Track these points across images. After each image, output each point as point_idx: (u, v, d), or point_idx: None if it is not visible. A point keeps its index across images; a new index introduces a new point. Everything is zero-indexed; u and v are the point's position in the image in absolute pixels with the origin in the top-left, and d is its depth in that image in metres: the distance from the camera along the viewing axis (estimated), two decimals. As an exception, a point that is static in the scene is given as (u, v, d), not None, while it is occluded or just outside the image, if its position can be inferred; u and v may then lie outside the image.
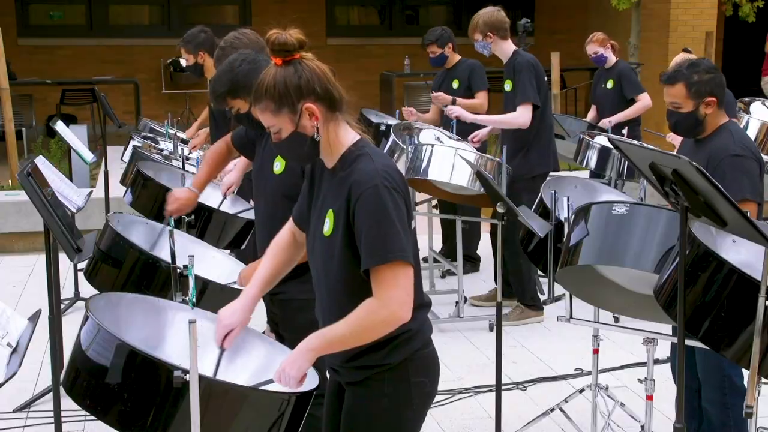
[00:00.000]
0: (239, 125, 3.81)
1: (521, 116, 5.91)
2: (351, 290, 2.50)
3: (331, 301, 2.57)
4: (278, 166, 3.37)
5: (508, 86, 6.02)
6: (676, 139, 5.57)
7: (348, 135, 2.57)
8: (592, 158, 6.61)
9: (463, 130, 6.70)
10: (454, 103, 6.68)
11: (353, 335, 2.45)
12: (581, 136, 6.72)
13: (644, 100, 7.43)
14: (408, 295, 2.42)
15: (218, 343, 2.69)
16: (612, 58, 7.53)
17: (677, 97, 3.67)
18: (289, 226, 2.85)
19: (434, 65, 7.14)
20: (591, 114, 7.78)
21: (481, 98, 6.90)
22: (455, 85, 6.98)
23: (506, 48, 6.04)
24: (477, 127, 6.78)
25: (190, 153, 6.08)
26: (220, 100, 3.56)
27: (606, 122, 7.32)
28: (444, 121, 7.16)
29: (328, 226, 2.53)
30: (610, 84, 7.53)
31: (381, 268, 2.40)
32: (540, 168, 6.01)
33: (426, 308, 2.64)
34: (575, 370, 5.27)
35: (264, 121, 2.54)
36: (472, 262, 7.22)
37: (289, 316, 3.42)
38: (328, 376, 2.80)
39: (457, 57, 7.04)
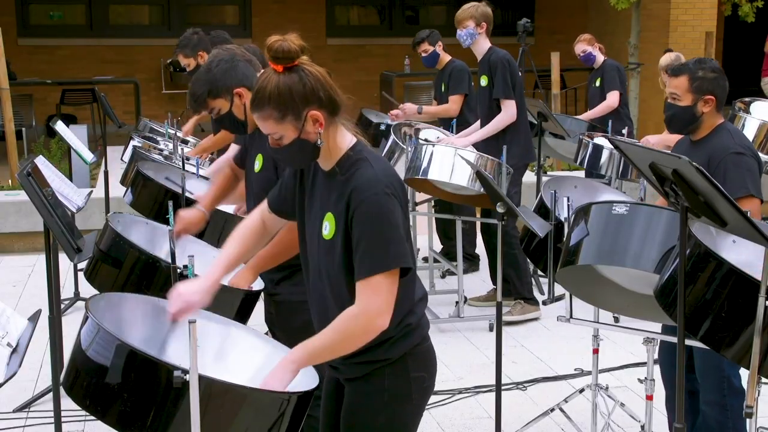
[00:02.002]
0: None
1: (507, 113, 6.03)
2: (351, 292, 2.50)
3: (335, 302, 2.57)
4: (257, 164, 3.41)
5: (483, 81, 6.12)
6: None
7: (345, 138, 2.57)
8: (588, 156, 6.63)
9: (464, 130, 6.72)
10: (419, 112, 6.91)
11: (334, 345, 2.47)
12: (581, 136, 6.72)
13: (609, 99, 7.54)
14: (388, 304, 2.43)
15: (172, 315, 2.68)
16: (600, 58, 7.64)
17: (678, 88, 3.69)
18: (260, 212, 2.86)
19: (427, 65, 7.18)
20: (587, 114, 7.85)
21: (452, 102, 6.97)
22: (443, 87, 7.09)
23: (485, 44, 6.15)
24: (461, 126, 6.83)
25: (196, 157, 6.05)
26: (200, 102, 3.52)
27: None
28: (443, 121, 7.18)
29: (328, 230, 2.53)
30: (597, 82, 7.68)
31: (370, 277, 2.41)
32: (521, 159, 6.15)
33: (423, 301, 2.66)
34: (575, 370, 5.27)
35: (265, 129, 2.52)
36: (471, 261, 7.22)
37: (283, 318, 3.44)
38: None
39: (447, 57, 7.10)
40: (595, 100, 7.68)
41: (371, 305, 2.41)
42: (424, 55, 7.07)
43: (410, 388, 2.59)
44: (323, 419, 2.78)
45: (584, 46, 7.65)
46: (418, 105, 7.05)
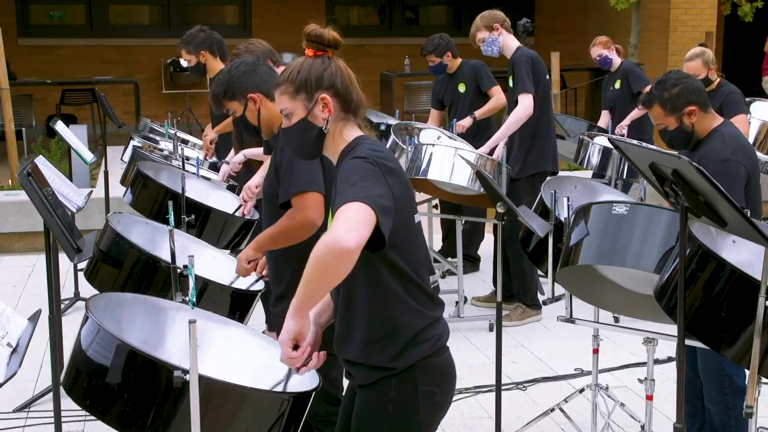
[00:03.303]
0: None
1: (523, 107, 5.85)
2: (353, 282, 2.47)
3: (338, 295, 2.57)
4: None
5: (511, 82, 6.01)
6: None
7: (353, 131, 2.60)
8: (593, 158, 6.60)
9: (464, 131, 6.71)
10: (475, 119, 6.68)
11: (311, 275, 2.30)
12: (581, 136, 6.71)
13: None
14: (355, 225, 2.27)
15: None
16: (617, 61, 7.50)
17: (658, 118, 3.70)
18: None
19: (435, 73, 7.09)
20: (604, 119, 7.65)
21: (496, 93, 6.81)
22: (461, 89, 6.93)
23: (512, 42, 6.02)
24: (481, 127, 6.77)
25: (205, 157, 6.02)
26: (216, 102, 3.61)
27: (619, 129, 7.25)
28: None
29: (329, 221, 2.55)
30: (618, 84, 7.46)
31: (339, 208, 2.32)
32: (539, 167, 6.00)
33: (431, 310, 2.60)
34: (575, 370, 5.27)
35: (280, 105, 2.60)
36: (472, 262, 7.22)
37: None
38: (322, 379, 2.80)
39: (458, 61, 6.99)
40: (618, 104, 7.45)
41: (335, 226, 2.28)
42: (430, 65, 6.97)
43: (417, 401, 2.54)
44: (340, 419, 2.77)
45: (600, 49, 7.47)
46: (466, 118, 6.77)
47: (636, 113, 7.25)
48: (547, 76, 6.07)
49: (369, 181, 2.37)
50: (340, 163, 2.54)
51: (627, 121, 7.24)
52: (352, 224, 2.27)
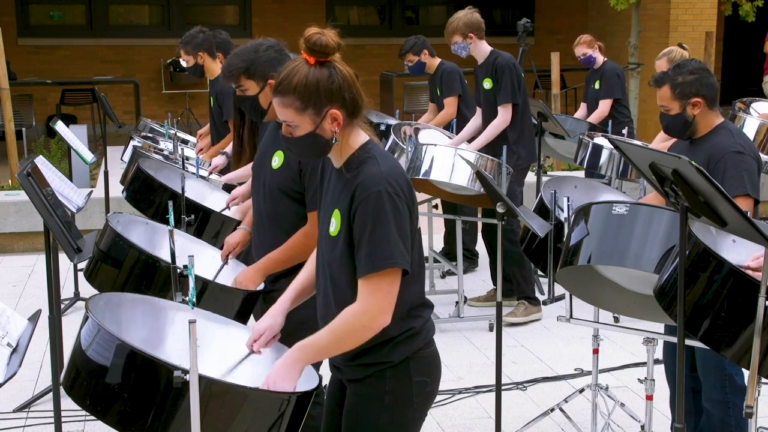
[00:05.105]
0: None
1: (504, 118, 6.05)
2: (352, 290, 2.50)
3: (335, 300, 2.58)
4: (276, 161, 3.38)
5: (488, 84, 6.11)
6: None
7: (358, 137, 2.58)
8: (587, 156, 6.62)
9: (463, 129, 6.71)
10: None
11: (336, 342, 2.49)
12: (581, 136, 6.72)
13: (602, 107, 7.48)
14: (389, 302, 2.45)
15: (247, 345, 2.74)
16: (600, 59, 7.59)
17: (664, 99, 3.70)
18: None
19: (415, 73, 7.31)
20: (581, 111, 7.85)
21: (448, 105, 7.00)
22: (438, 91, 7.14)
23: (483, 48, 6.15)
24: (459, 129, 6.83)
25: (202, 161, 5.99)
26: (234, 75, 3.50)
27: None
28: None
29: (334, 226, 2.55)
30: (597, 85, 7.62)
31: (370, 275, 2.43)
32: (525, 161, 6.18)
33: (428, 309, 2.66)
34: (575, 370, 5.27)
35: (282, 115, 2.53)
36: (470, 259, 7.22)
37: None
38: (321, 375, 2.81)
39: (437, 61, 7.16)
40: (594, 102, 7.61)
41: (371, 303, 2.43)
42: (409, 64, 7.18)
43: (412, 392, 2.59)
44: (326, 419, 2.79)
45: (584, 49, 7.57)
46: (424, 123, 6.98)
47: (591, 119, 7.36)
48: (523, 75, 6.20)
49: (397, 229, 2.43)
50: (350, 170, 2.52)
51: (592, 118, 7.38)
52: (385, 303, 2.43)
